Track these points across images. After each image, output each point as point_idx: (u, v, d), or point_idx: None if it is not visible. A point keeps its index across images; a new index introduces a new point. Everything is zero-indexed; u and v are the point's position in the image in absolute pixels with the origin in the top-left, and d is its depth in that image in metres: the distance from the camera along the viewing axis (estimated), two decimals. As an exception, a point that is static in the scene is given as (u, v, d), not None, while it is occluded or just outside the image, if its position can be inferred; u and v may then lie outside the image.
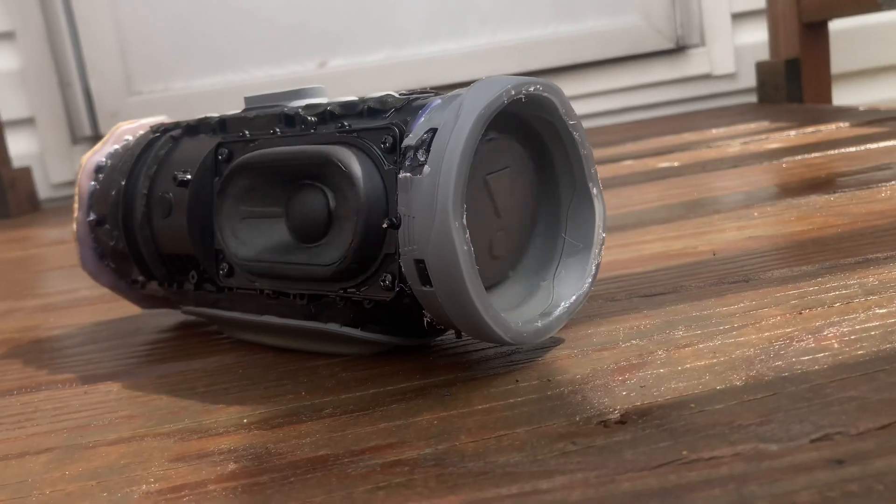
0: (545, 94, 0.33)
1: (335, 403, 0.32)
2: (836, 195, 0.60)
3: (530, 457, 0.26)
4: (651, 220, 0.61)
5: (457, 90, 0.33)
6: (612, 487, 0.23)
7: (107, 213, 0.45)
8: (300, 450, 0.28)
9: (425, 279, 0.31)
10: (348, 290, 0.34)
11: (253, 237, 0.37)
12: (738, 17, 1.50)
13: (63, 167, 1.49)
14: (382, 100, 0.34)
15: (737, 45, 1.50)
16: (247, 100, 0.41)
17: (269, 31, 1.47)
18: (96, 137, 1.49)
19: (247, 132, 0.39)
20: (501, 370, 0.33)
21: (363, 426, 0.30)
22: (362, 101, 0.35)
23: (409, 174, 0.31)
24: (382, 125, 0.33)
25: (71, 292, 0.63)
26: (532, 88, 0.32)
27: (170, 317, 0.50)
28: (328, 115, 0.36)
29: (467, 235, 0.30)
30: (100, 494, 0.27)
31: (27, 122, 1.48)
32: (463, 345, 0.37)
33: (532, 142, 0.35)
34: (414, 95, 0.34)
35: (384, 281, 0.33)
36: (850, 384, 0.27)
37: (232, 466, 0.28)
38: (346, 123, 0.35)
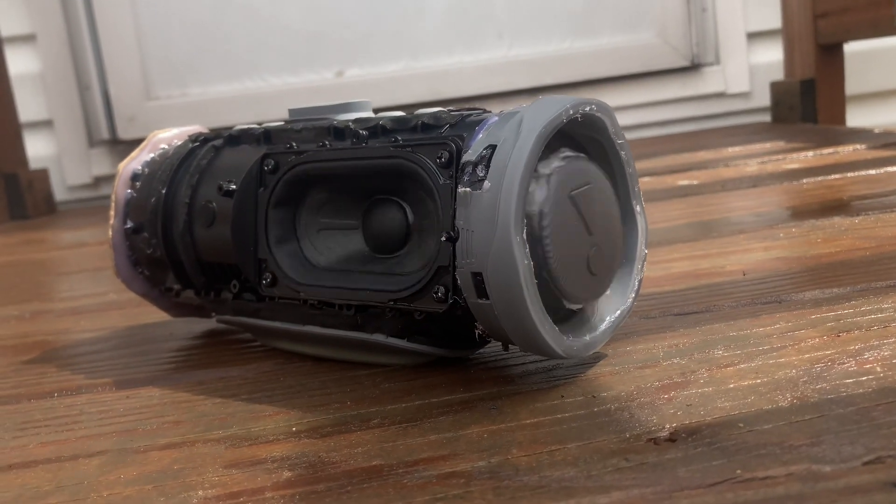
0: (598, 114, 0.34)
1: (382, 414, 0.33)
2: (861, 218, 0.60)
3: (584, 472, 0.26)
4: (676, 239, 0.61)
5: (514, 108, 0.33)
6: (670, 504, 0.24)
7: (145, 221, 0.45)
8: (353, 459, 0.29)
9: (482, 292, 0.31)
10: (399, 301, 0.34)
11: (330, 248, 0.38)
12: (753, 36, 1.51)
13: (80, 170, 1.50)
14: (436, 115, 0.35)
15: (752, 64, 1.51)
16: (291, 112, 0.41)
17: (288, 39, 1.48)
18: (114, 141, 1.50)
19: (294, 143, 0.39)
20: (545, 385, 0.34)
21: (413, 437, 0.30)
22: (415, 116, 0.36)
23: (468, 189, 0.31)
24: (438, 140, 0.34)
25: (99, 296, 0.64)
26: (588, 108, 0.33)
27: (200, 324, 0.51)
28: (380, 130, 0.36)
29: (527, 250, 0.31)
30: (157, 498, 0.27)
31: (45, 125, 1.49)
32: (504, 358, 0.38)
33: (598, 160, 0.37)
34: (466, 111, 0.35)
35: (437, 293, 0.33)
36: (897, 408, 0.28)
37: (287, 474, 0.28)
38: (398, 138, 0.35)
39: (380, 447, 0.29)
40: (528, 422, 0.30)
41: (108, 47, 1.45)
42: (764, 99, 1.49)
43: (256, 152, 0.41)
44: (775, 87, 1.43)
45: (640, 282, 0.37)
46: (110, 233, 0.47)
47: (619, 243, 0.36)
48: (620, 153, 0.36)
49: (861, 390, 0.30)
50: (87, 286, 0.70)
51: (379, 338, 0.36)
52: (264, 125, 0.43)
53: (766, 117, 1.49)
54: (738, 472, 0.25)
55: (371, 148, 0.36)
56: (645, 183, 0.93)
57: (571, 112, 0.32)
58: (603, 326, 0.35)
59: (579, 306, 0.35)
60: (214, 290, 0.43)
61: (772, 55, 1.47)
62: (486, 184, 0.31)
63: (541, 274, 0.31)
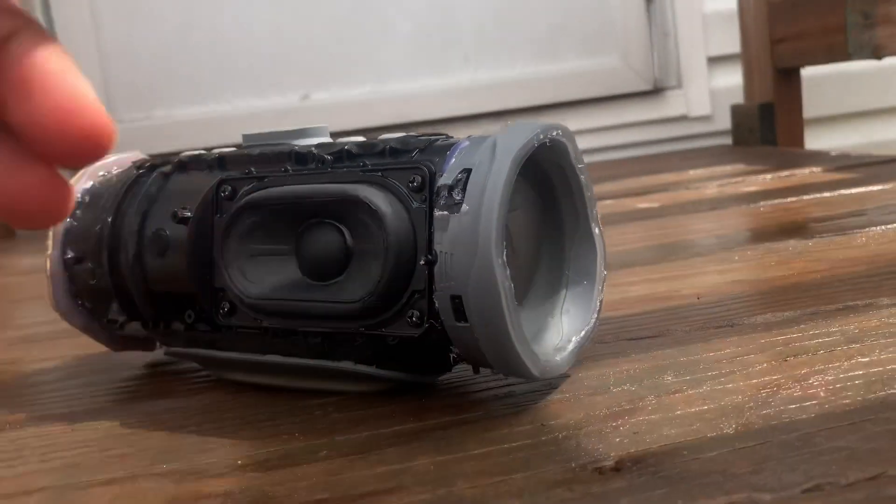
0: (562, 139, 0.35)
1: (330, 445, 0.32)
2: (814, 240, 0.61)
3: (528, 503, 0.26)
4: (635, 262, 0.62)
5: (482, 133, 0.34)
6: (611, 536, 0.24)
7: (87, 251, 0.44)
8: (297, 494, 0.28)
9: (461, 315, 0.32)
10: (370, 326, 0.34)
11: (262, 275, 0.37)
12: (713, 60, 1.54)
13: (40, 193, 1.48)
14: (404, 140, 0.36)
15: (712, 87, 1.54)
16: (245, 137, 0.41)
17: (253, 62, 1.48)
18: (75, 164, 1.47)
19: (253, 169, 0.39)
20: (495, 413, 0.34)
21: (360, 470, 0.30)
22: (381, 141, 0.36)
23: (445, 212, 0.32)
24: (409, 164, 0.34)
25: (51, 323, 0.62)
26: (555, 133, 0.35)
27: (147, 354, 0.50)
28: (345, 154, 0.36)
29: (508, 272, 0.31)
30: (95, 537, 0.27)
31: (5, 148, 1.47)
32: (457, 386, 0.38)
33: (540, 184, 0.37)
34: (434, 136, 0.36)
35: (411, 317, 0.33)
36: (838, 434, 0.28)
37: (229, 510, 0.28)
38: (366, 162, 0.36)
39: (325, 480, 0.29)
40: (476, 452, 0.30)
41: (69, 70, 1.43)
42: (725, 122, 1.51)
43: (210, 178, 0.40)
44: (735, 111, 1.46)
45: (601, 302, 0.38)
46: (48, 263, 0.45)
47: (532, 265, 0.38)
48: (580, 177, 0.37)
49: (804, 416, 0.30)
50: (42, 313, 0.69)
51: (347, 365, 0.36)
52: (216, 151, 0.42)
53: (728, 140, 1.51)
54: (679, 502, 0.25)
55: (338, 173, 0.36)
56: (606, 206, 0.94)
57: (542, 137, 0.34)
58: (571, 346, 0.36)
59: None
60: (164, 321, 0.42)
61: (732, 79, 1.50)
62: (465, 207, 0.31)
63: None
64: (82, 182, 0.46)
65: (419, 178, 0.34)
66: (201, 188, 0.40)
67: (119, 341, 0.46)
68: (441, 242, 0.32)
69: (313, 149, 0.37)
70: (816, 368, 0.35)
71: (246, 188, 0.38)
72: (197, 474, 0.31)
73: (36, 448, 0.36)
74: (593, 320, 0.38)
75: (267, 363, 0.38)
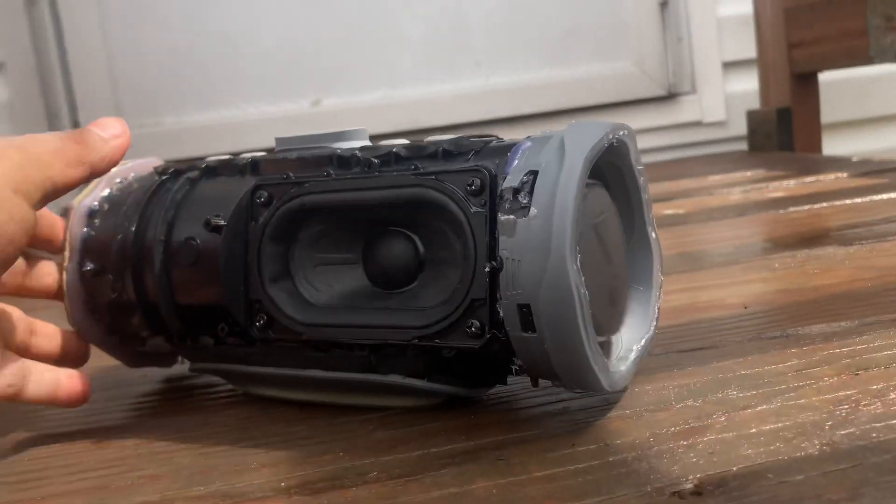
0: (626, 140, 0.34)
1: (379, 466, 0.30)
2: (855, 247, 0.59)
3: (608, 532, 0.24)
4: (670, 270, 0.60)
5: (545, 132, 0.32)
6: (707, 571, 0.21)
7: (108, 263, 0.41)
8: (350, 520, 0.26)
9: (528, 325, 0.30)
10: (424, 338, 0.32)
11: (327, 284, 0.36)
12: (728, 65, 1.52)
13: (46, 200, 1.46)
14: (457, 142, 0.34)
15: (727, 93, 1.52)
16: (279, 140, 0.39)
17: (264, 67, 1.46)
18: (82, 171, 1.45)
19: (290, 174, 0.36)
20: (553, 431, 0.32)
21: (414, 493, 0.28)
22: (432, 143, 0.34)
23: (511, 216, 0.30)
24: (467, 167, 0.32)
25: (67, 334, 0.60)
26: (622, 133, 0.33)
27: (156, 371, 0.48)
28: (393, 157, 0.34)
29: (583, 279, 0.29)
30: (133, 569, 0.25)
31: (11, 154, 1.45)
32: (505, 402, 0.35)
33: (607, 186, 0.35)
34: (487, 138, 0.34)
35: (471, 328, 0.31)
36: (936, 455, 0.26)
37: (277, 538, 0.26)
38: (418, 165, 0.34)
39: (379, 505, 0.27)
40: (538, 474, 0.28)
41: (78, 74, 1.41)
42: (740, 128, 1.49)
43: (243, 184, 0.38)
44: (751, 116, 1.44)
45: (658, 309, 0.37)
46: (64, 276, 0.43)
47: (626, 274, 0.36)
48: (638, 179, 0.35)
49: (894, 435, 0.28)
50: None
51: (395, 378, 0.34)
52: (247, 155, 0.40)
53: (743, 146, 1.49)
54: (777, 531, 0.23)
55: (389, 176, 0.34)
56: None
57: (611, 136, 0.32)
58: (632, 356, 0.34)
59: (604, 338, 0.33)
60: (192, 336, 0.39)
61: (747, 84, 1.48)
62: (533, 210, 0.29)
63: None
64: (99, 189, 0.43)
65: (478, 182, 0.32)
66: (234, 194, 0.37)
67: (135, 357, 0.44)
68: (507, 248, 0.30)
69: (357, 152, 0.35)
70: (894, 383, 0.33)
71: (284, 194, 0.36)
72: (238, 497, 0.29)
73: (60, 468, 0.34)
74: (653, 328, 0.36)
75: (306, 378, 0.36)
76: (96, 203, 0.43)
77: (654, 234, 0.37)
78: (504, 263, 0.30)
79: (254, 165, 0.38)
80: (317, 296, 0.36)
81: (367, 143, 0.37)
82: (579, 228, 0.30)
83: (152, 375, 0.46)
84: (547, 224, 0.29)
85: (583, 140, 0.30)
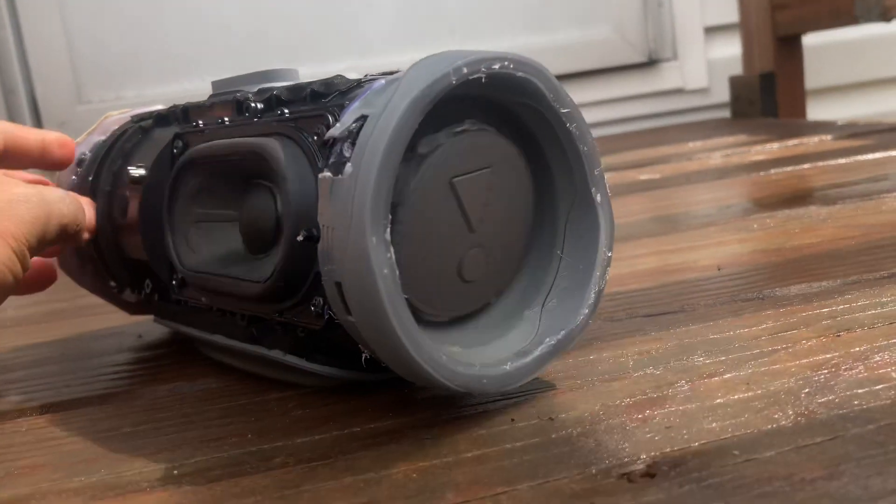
0: (520, 74, 0.26)
1: (288, 450, 0.26)
2: (839, 206, 0.55)
3: (539, 524, 0.20)
4: (641, 233, 0.56)
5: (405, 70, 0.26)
6: (653, 570, 0.17)
7: None
8: (242, 513, 0.22)
9: (347, 307, 0.24)
10: (284, 312, 0.28)
11: (203, 244, 0.32)
12: (710, 30, 1.47)
13: (6, 179, 1.40)
14: (329, 82, 0.28)
15: (710, 59, 1.47)
16: (214, 84, 0.35)
17: (228, 38, 1.40)
18: (43, 148, 1.40)
19: (200, 122, 0.33)
20: (491, 406, 0.28)
21: (323, 481, 0.24)
22: (308, 83, 0.29)
23: (329, 174, 0.24)
24: (318, 112, 0.27)
25: (-6, 312, 0.56)
26: (497, 66, 0.25)
27: (101, 342, 0.44)
28: (274, 101, 0.30)
29: (390, 255, 0.23)
30: (-24, 577, 0.21)
31: (-32, 132, 1.39)
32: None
33: (524, 137, 0.29)
34: (371, 77, 0.28)
35: (314, 305, 0.27)
36: (928, 424, 0.22)
37: (153, 537, 0.22)
38: (284, 111, 0.29)
39: (279, 495, 0.23)
40: (468, 455, 0.24)
41: (33, 47, 1.35)
42: (723, 95, 1.45)
43: (170, 133, 0.35)
44: (734, 82, 1.40)
45: (598, 294, 0.29)
46: None
47: (518, 245, 0.29)
48: (567, 125, 0.28)
49: (878, 402, 0.24)
50: None
51: (277, 354, 0.30)
52: (185, 102, 0.37)
53: (726, 113, 1.45)
54: (740, 518, 0.19)
55: (257, 124, 0.30)
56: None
57: (466, 71, 0.24)
58: (538, 351, 0.27)
59: (439, 318, 0.27)
60: (139, 290, 0.37)
61: (730, 50, 1.43)
62: (349, 167, 0.24)
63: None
64: (92, 137, 0.42)
65: (323, 129, 0.26)
66: (160, 144, 0.35)
67: (128, 306, 0.42)
68: (324, 213, 0.24)
69: (250, 96, 0.31)
70: (878, 345, 0.29)
71: (193, 142, 0.33)
72: (119, 488, 0.25)
73: (-66, 457, 0.29)
74: (581, 317, 0.28)
75: (213, 342, 0.33)
76: (86, 151, 0.41)
77: (599, 197, 0.29)
78: (322, 231, 0.24)
79: (185, 113, 0.35)
80: (197, 256, 0.32)
81: (295, 82, 0.33)
82: (423, 186, 0.25)
83: (71, 354, 0.42)
84: (351, 185, 0.23)
85: (419, 78, 0.24)
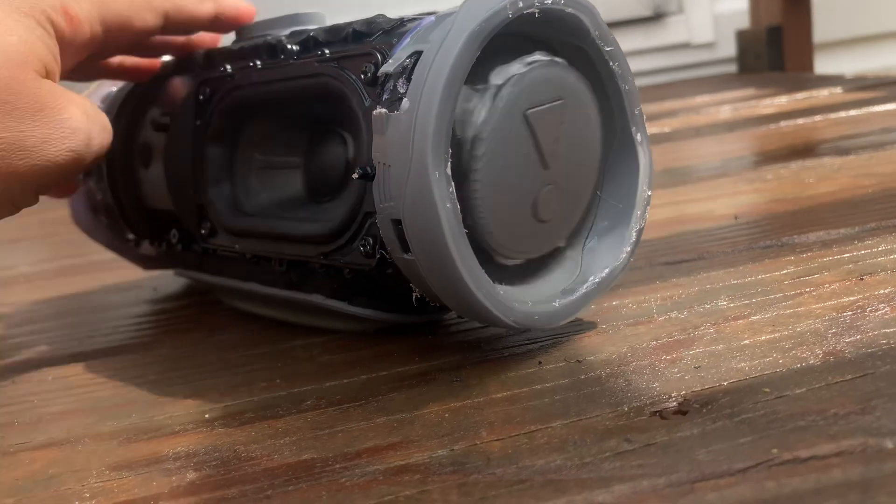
0: (569, 11, 0.26)
1: (318, 393, 0.26)
2: (853, 156, 0.55)
3: (576, 459, 0.20)
4: (655, 185, 0.55)
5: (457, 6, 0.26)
6: (692, 499, 0.18)
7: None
8: (278, 453, 0.22)
9: (405, 245, 0.24)
10: (329, 254, 0.28)
11: (253, 190, 0.31)
12: (717, -17, 1.45)
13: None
14: (371, 21, 0.28)
15: (716, 12, 1.46)
16: (237, 31, 0.35)
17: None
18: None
19: (228, 66, 0.32)
20: (518, 350, 0.28)
21: (356, 421, 0.24)
22: (348, 24, 0.29)
23: (384, 110, 0.24)
24: (363, 51, 0.27)
25: (8, 269, 0.56)
26: (550, 1, 0.25)
27: (120, 295, 0.44)
28: (311, 43, 0.29)
29: (451, 189, 0.23)
30: (19, 516, 0.21)
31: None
32: (466, 320, 0.31)
33: (588, 72, 0.28)
34: (412, 17, 0.28)
35: (364, 245, 0.26)
36: (958, 361, 0.22)
37: (191, 475, 0.22)
38: (325, 51, 0.28)
39: (313, 436, 0.23)
40: (499, 395, 0.24)
41: None
42: (729, 49, 1.44)
43: (195, 80, 0.34)
44: (741, 36, 1.38)
45: (639, 232, 0.29)
46: None
47: (589, 183, 0.29)
48: (610, 64, 0.28)
49: (906, 341, 0.24)
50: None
51: (317, 298, 0.30)
52: (205, 49, 0.36)
53: (732, 68, 1.44)
54: (775, 451, 0.19)
55: (294, 65, 0.29)
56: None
57: (521, 5, 0.24)
58: (583, 289, 0.27)
59: (514, 261, 0.27)
60: (161, 241, 0.37)
61: (736, 3, 1.41)
62: (405, 102, 0.23)
63: (465, 219, 0.24)
64: (104, 87, 0.41)
65: (372, 68, 0.26)
66: (184, 91, 0.35)
67: (143, 260, 0.42)
68: (378, 150, 0.24)
69: (283, 38, 0.31)
70: (903, 286, 0.29)
71: (222, 88, 0.32)
72: (153, 432, 0.25)
73: (-36, 405, 0.30)
74: (623, 255, 0.29)
75: (248, 291, 0.33)
76: (99, 102, 0.41)
77: (639, 137, 0.29)
78: (377, 169, 0.24)
79: (207, 58, 0.35)
80: (249, 202, 0.32)
81: (323, 26, 0.33)
82: (497, 119, 0.24)
83: (88, 306, 0.42)
84: (410, 119, 0.23)
85: (475, 12, 0.24)
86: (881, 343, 0.24)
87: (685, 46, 1.46)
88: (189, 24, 0.33)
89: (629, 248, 0.29)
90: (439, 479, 0.20)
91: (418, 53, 0.24)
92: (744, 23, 1.38)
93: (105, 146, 0.29)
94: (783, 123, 0.76)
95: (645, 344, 0.27)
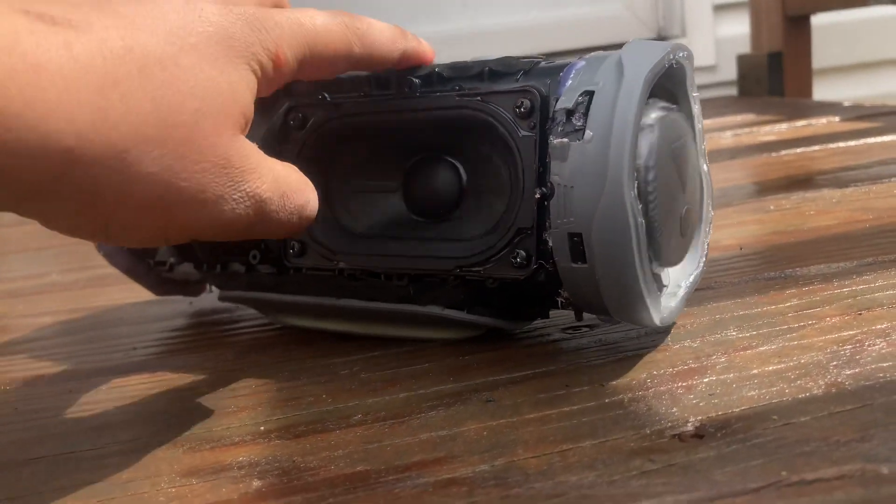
0: (685, 63, 0.31)
1: (364, 409, 0.29)
2: (851, 189, 0.58)
3: (605, 476, 0.22)
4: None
5: (599, 53, 0.30)
6: (712, 515, 0.20)
7: None
8: (333, 464, 0.25)
9: (578, 255, 0.28)
10: (467, 268, 0.31)
11: (360, 213, 0.34)
12: (719, 8, 1.49)
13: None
14: (505, 62, 0.31)
15: (718, 37, 1.49)
16: None
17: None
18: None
19: (326, 94, 0.34)
20: (543, 372, 0.30)
21: (402, 437, 0.26)
22: (477, 63, 0.32)
23: (565, 140, 0.28)
24: (516, 88, 0.30)
25: (39, 277, 0.58)
26: (681, 55, 0.30)
27: (156, 307, 0.46)
28: (436, 77, 0.32)
29: (640, 207, 0.28)
30: (103, 516, 0.23)
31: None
32: (496, 343, 0.34)
33: None
34: (535, 58, 0.32)
35: (516, 258, 0.30)
36: (947, 395, 0.25)
37: (256, 483, 0.24)
38: (462, 86, 0.31)
39: (364, 449, 0.26)
40: (531, 416, 0.27)
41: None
42: (730, 72, 1.47)
43: (276, 105, 0.35)
44: (742, 61, 1.41)
45: (707, 245, 0.35)
46: None
47: (699, 205, 0.34)
48: (694, 107, 0.33)
49: (900, 375, 0.27)
50: (28, 267, 0.65)
51: (434, 310, 0.33)
52: None
53: (733, 91, 1.47)
54: (784, 473, 0.22)
55: (431, 98, 0.32)
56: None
57: (671, 57, 0.30)
58: (681, 293, 0.33)
59: (661, 271, 0.32)
60: (222, 263, 0.38)
61: (738, 28, 1.45)
62: (588, 133, 0.28)
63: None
64: None
65: (528, 103, 0.30)
66: (267, 115, 0.35)
67: (163, 285, 0.43)
68: (559, 174, 0.28)
69: (395, 72, 0.33)
70: (898, 322, 0.31)
71: (319, 115, 0.34)
72: (214, 442, 0.27)
73: (26, 413, 0.32)
74: (702, 263, 0.34)
75: (342, 307, 0.35)
76: None
77: (705, 167, 0.35)
78: (556, 189, 0.28)
79: (287, 86, 0.36)
80: (353, 223, 0.34)
81: (454, 62, 0.35)
82: (655, 154, 0.28)
83: (128, 318, 0.45)
84: (604, 148, 0.27)
85: (642, 60, 0.28)
86: (878, 376, 0.27)
87: (687, 69, 1.49)
88: (374, 67, 0.31)
89: (703, 258, 0.34)
90: (484, 491, 0.22)
91: (590, 93, 0.28)
92: (745, 47, 1.42)
93: (305, 216, 0.27)
94: (784, 152, 0.78)
95: (662, 371, 0.29)
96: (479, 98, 0.31)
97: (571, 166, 0.28)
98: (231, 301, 0.39)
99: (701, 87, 1.40)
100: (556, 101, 0.29)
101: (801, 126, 0.95)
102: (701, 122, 0.34)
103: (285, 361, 0.35)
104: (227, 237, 0.26)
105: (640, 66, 0.28)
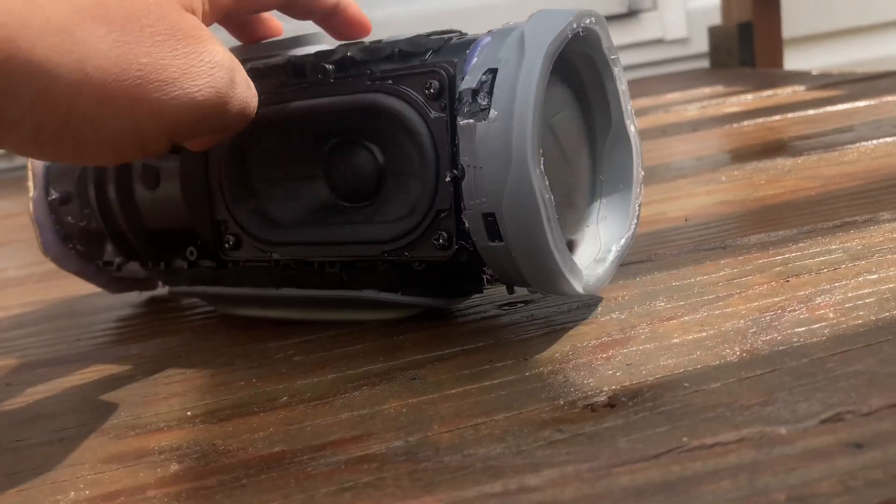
0: (595, 28, 0.31)
1: (290, 391, 0.29)
2: (803, 158, 0.58)
3: (513, 448, 0.23)
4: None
5: (505, 25, 0.30)
6: (608, 482, 0.21)
7: (73, 190, 0.39)
8: (252, 446, 0.25)
9: (494, 234, 0.28)
10: (394, 252, 0.31)
11: (286, 202, 0.34)
12: (689, -20, 1.48)
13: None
14: (414, 41, 0.31)
15: (689, 9, 1.49)
16: (234, 50, 0.37)
17: None
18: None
19: None
20: (472, 348, 0.31)
21: (323, 417, 0.27)
22: (388, 44, 0.31)
23: (471, 121, 0.28)
24: (424, 69, 0.30)
25: (23, 268, 0.58)
26: (588, 21, 0.30)
27: (107, 298, 0.46)
28: (349, 62, 0.32)
29: (547, 183, 0.28)
30: (21, 505, 0.24)
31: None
32: (429, 321, 0.34)
33: (571, 80, 0.33)
34: (447, 34, 0.31)
35: (438, 239, 0.30)
36: (854, 357, 0.25)
37: (174, 467, 0.24)
38: (373, 70, 0.31)
39: (284, 430, 0.26)
40: (452, 392, 0.27)
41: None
42: (702, 45, 1.47)
43: None
44: (713, 32, 1.41)
45: (640, 206, 0.35)
46: (31, 206, 0.41)
47: (587, 171, 0.35)
48: (613, 69, 0.33)
49: (814, 339, 0.27)
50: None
51: (370, 294, 0.33)
52: None
53: (705, 63, 1.47)
54: (685, 439, 0.22)
55: (343, 84, 0.32)
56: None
57: (575, 26, 0.29)
58: (610, 257, 0.33)
59: (568, 240, 0.32)
60: (165, 260, 0.38)
61: (709, 0, 1.45)
62: (493, 113, 0.27)
63: None
64: None
65: (436, 84, 0.30)
66: None
67: (117, 283, 0.43)
68: (468, 155, 0.28)
69: (311, 58, 0.33)
70: (822, 288, 0.32)
71: None
72: (139, 428, 0.28)
73: (-36, 406, 0.32)
74: (633, 226, 0.34)
75: (282, 297, 0.35)
76: None
77: (633, 128, 0.35)
78: (466, 171, 0.28)
79: None
80: (281, 213, 0.34)
81: (325, 47, 0.35)
82: (541, 130, 0.28)
83: (78, 310, 0.45)
84: (507, 127, 0.27)
85: (544, 32, 0.28)
86: (792, 341, 0.27)
87: (659, 42, 1.49)
88: (309, 7, 0.32)
89: (635, 221, 0.35)
90: (393, 467, 0.23)
91: (493, 70, 0.28)
92: (716, 19, 1.42)
93: (251, 107, 0.28)
94: (745, 123, 0.79)
95: (586, 343, 0.30)
96: (389, 81, 0.31)
97: (479, 147, 0.28)
98: (180, 295, 0.40)
99: (674, 61, 1.40)
100: (462, 81, 0.29)
101: (766, 96, 0.95)
102: (624, 83, 0.34)
103: (224, 347, 0.35)
104: (203, 123, 0.26)
105: (541, 39, 0.28)
